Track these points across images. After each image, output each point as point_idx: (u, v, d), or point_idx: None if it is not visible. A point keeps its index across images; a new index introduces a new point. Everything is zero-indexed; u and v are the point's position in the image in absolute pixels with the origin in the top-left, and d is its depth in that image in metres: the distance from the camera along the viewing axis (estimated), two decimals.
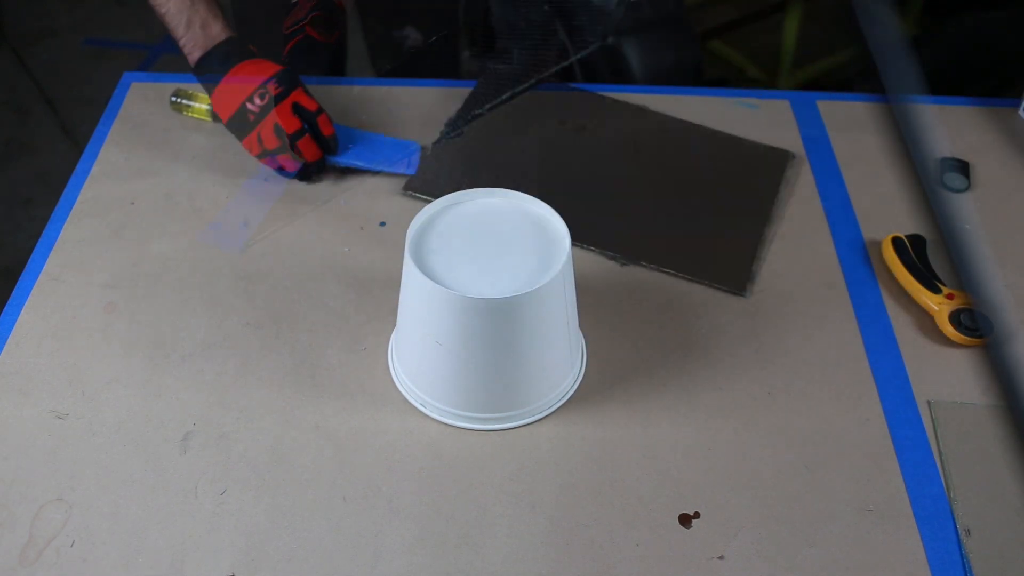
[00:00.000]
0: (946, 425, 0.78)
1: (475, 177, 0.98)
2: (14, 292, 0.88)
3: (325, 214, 0.97)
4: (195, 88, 1.08)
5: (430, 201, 0.98)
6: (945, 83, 1.47)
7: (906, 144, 0.39)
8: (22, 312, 0.86)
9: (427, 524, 0.71)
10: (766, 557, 0.69)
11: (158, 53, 2.65)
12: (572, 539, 0.70)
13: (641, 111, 1.09)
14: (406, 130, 1.06)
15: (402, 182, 1.00)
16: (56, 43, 2.69)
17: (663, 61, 1.59)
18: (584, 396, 0.81)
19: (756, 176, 1.02)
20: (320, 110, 0.96)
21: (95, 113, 1.09)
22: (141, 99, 1.11)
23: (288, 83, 0.94)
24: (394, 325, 0.84)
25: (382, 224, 0.96)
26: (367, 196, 0.99)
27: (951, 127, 1.09)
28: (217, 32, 0.94)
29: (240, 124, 0.94)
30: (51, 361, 0.82)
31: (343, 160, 1.00)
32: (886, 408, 0.80)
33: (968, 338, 0.84)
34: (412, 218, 0.74)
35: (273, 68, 0.94)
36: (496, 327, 0.70)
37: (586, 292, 0.88)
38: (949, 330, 0.84)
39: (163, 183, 1.00)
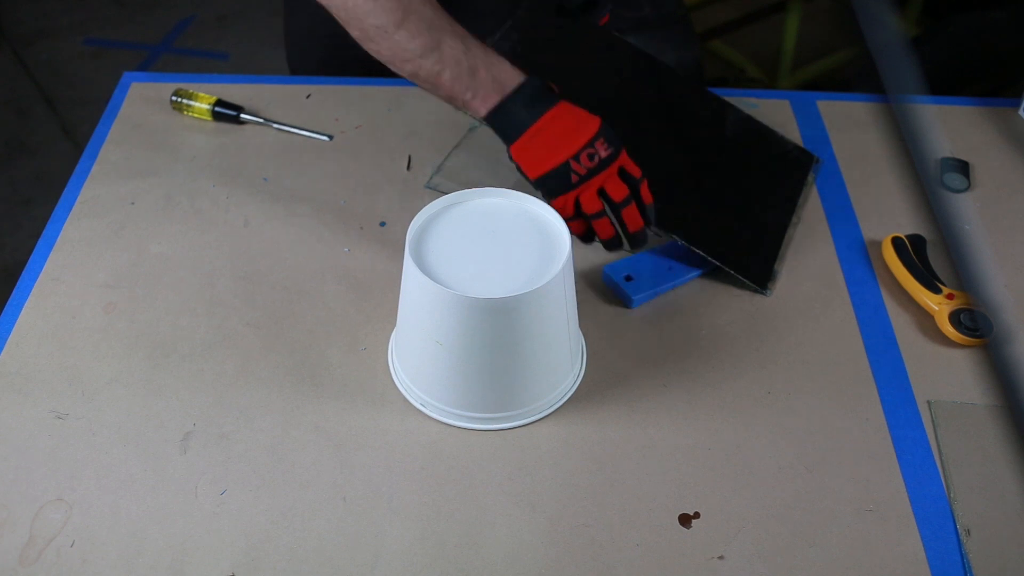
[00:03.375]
0: (946, 425, 0.78)
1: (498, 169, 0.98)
2: (14, 292, 0.88)
3: (325, 214, 0.97)
4: (195, 88, 1.08)
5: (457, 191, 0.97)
6: (945, 83, 1.47)
7: (906, 144, 0.39)
8: (22, 312, 0.86)
9: (427, 524, 0.71)
10: (766, 557, 0.69)
11: (158, 53, 2.65)
12: (572, 539, 0.70)
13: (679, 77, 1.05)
14: (420, 130, 1.07)
15: (406, 181, 1.00)
16: (56, 43, 2.69)
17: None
18: (584, 396, 0.80)
19: (783, 173, 1.00)
20: (643, 177, 0.84)
21: (95, 113, 1.09)
22: (141, 99, 1.11)
23: (616, 144, 0.82)
24: (394, 325, 0.84)
25: (382, 224, 0.96)
26: (367, 196, 0.99)
27: (951, 127, 1.09)
28: (510, 75, 0.81)
29: (557, 183, 0.81)
30: (51, 361, 0.82)
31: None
32: (886, 408, 0.80)
33: (968, 338, 0.84)
34: (412, 218, 0.74)
35: (592, 121, 0.82)
36: (496, 327, 0.70)
37: (586, 292, 0.89)
38: (949, 330, 0.84)
39: (163, 183, 1.00)
